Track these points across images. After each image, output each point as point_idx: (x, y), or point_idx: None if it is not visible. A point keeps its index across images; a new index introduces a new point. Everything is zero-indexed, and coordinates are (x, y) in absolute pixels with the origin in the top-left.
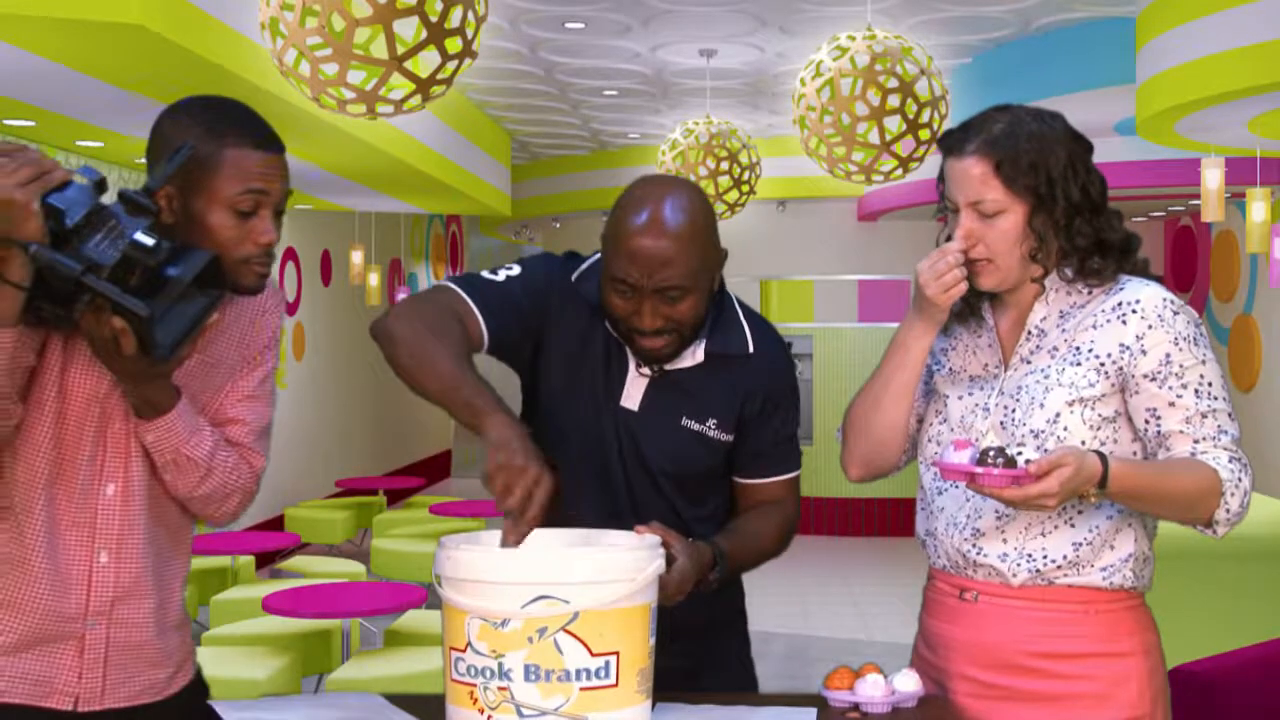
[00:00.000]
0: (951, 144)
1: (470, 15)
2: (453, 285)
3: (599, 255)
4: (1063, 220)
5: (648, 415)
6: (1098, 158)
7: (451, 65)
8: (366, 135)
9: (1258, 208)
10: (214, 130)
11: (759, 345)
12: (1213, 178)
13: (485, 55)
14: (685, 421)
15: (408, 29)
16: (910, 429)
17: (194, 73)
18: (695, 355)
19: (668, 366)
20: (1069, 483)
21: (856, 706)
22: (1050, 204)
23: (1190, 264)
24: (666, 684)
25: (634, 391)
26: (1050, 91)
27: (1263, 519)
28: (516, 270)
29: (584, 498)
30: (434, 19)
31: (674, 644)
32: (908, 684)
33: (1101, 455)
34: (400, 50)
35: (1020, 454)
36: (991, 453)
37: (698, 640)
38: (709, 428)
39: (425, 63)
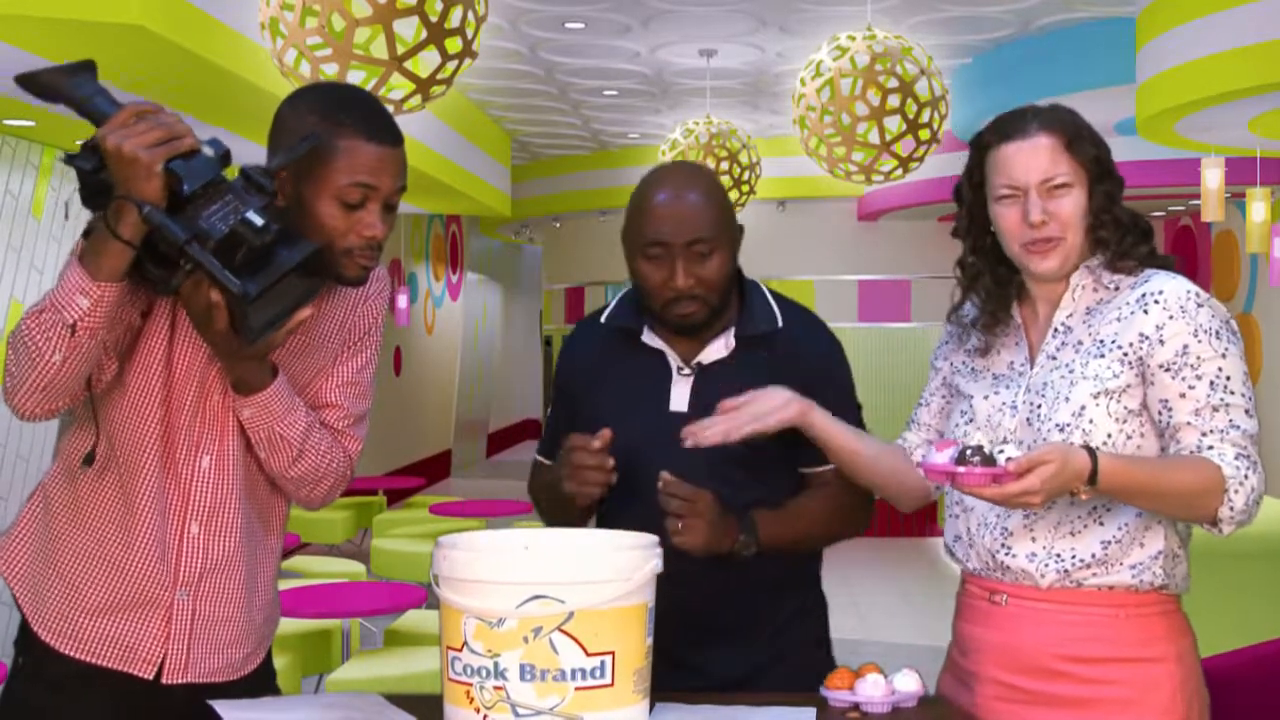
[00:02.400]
0: (1009, 129)
1: (470, 15)
2: (538, 457)
3: (621, 295)
4: (1117, 194)
5: (696, 413)
6: None
7: (451, 65)
8: None
9: (1258, 208)
10: (328, 119)
11: (789, 321)
12: (1213, 178)
13: (485, 55)
14: None
15: (408, 29)
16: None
17: (194, 73)
18: (728, 344)
19: (703, 361)
20: (1051, 480)
21: (856, 706)
22: (1106, 179)
23: (1190, 264)
24: (732, 686)
25: (680, 394)
26: (1050, 91)
27: (1266, 518)
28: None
29: (651, 508)
30: (434, 19)
31: (751, 635)
32: (908, 684)
33: (1091, 451)
34: (400, 50)
35: (1002, 452)
36: (969, 451)
37: (777, 629)
38: None
39: (425, 63)
